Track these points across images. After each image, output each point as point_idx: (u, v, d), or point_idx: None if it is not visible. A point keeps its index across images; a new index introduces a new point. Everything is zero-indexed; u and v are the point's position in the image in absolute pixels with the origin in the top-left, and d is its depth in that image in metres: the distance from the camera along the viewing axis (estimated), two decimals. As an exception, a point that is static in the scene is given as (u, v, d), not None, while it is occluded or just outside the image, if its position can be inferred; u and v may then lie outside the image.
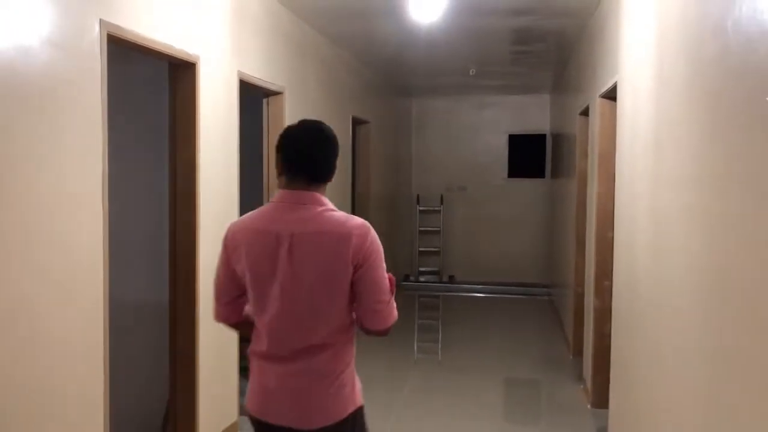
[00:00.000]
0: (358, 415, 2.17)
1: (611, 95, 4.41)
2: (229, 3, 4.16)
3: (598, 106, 4.76)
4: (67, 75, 2.64)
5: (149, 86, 4.13)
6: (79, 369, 2.75)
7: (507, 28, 5.95)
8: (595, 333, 4.87)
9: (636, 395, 3.32)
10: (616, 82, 4.03)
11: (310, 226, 2.07)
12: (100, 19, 2.84)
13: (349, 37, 6.38)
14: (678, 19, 2.62)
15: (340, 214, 2.13)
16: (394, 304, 2.15)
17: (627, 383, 3.60)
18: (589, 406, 4.93)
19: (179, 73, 3.71)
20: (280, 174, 2.17)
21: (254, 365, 2.19)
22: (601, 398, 4.70)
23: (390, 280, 2.13)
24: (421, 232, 10.45)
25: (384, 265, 2.13)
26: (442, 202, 10.44)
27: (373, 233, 2.10)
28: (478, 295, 9.70)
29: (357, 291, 2.07)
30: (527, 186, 10.29)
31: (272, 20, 4.91)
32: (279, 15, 5.06)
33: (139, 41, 3.14)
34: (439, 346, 7.06)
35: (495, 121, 10.45)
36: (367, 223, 2.12)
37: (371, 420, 2.27)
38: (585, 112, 5.68)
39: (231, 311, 2.25)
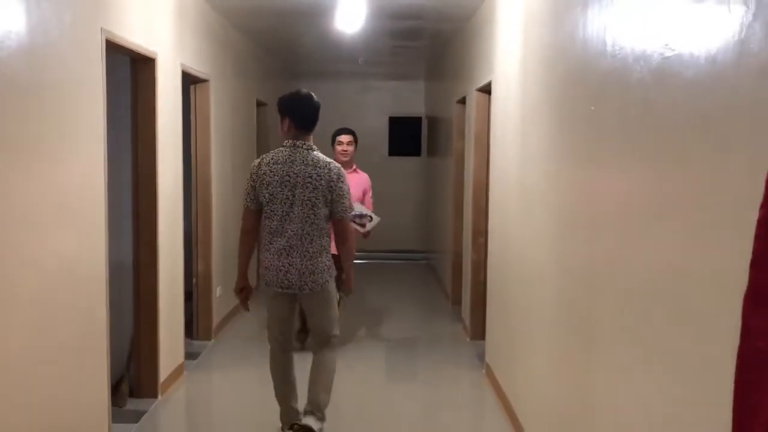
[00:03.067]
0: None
1: (486, 89, 5.54)
2: (173, 6, 4.90)
3: (474, 97, 5.89)
4: (74, 74, 3.36)
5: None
6: (96, 308, 3.53)
7: (394, 27, 6.98)
8: (472, 281, 6.04)
9: (509, 323, 4.47)
10: (491, 81, 5.15)
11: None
12: (101, 27, 3.57)
13: (261, 31, 7.21)
14: (537, 42, 3.74)
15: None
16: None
17: (500, 316, 4.75)
18: (468, 339, 6.11)
19: (141, 67, 4.43)
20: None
21: None
22: (477, 332, 5.89)
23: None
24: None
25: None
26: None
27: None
28: (363, 261, 10.76)
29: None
30: (405, 163, 11.46)
31: (202, 19, 5.67)
32: (207, 14, 5.82)
33: (123, 43, 3.87)
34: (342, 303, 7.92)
35: (377, 104, 11.51)
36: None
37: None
38: (462, 101, 6.82)
39: None
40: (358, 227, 5.40)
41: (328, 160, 3.87)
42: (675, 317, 1.99)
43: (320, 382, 3.89)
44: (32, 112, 2.88)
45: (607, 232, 2.57)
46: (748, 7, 1.60)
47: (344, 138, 5.68)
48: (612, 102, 2.55)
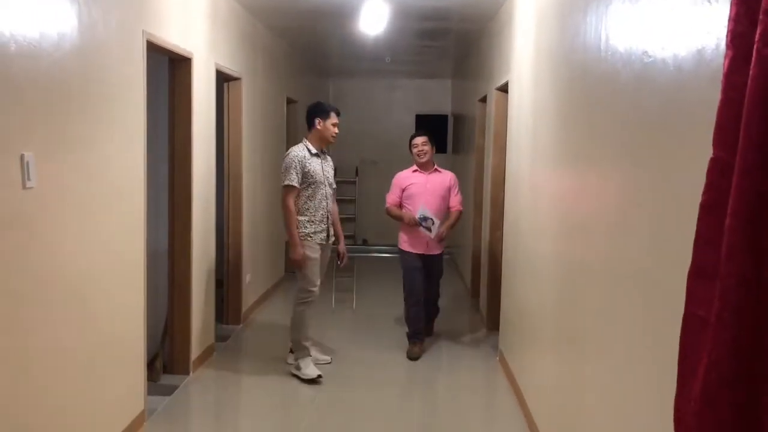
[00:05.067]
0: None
1: (504, 89, 5.77)
2: (206, 7, 5.21)
3: (494, 96, 6.12)
4: (119, 74, 3.68)
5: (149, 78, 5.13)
6: (134, 286, 3.85)
7: (419, 28, 7.23)
8: (489, 273, 6.27)
9: (519, 315, 4.70)
10: (507, 80, 5.38)
11: None
12: (143, 30, 3.89)
13: (290, 31, 7.52)
14: (545, 46, 3.97)
15: None
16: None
17: (512, 308, 4.98)
18: (485, 330, 6.35)
19: (178, 67, 4.75)
20: None
21: None
22: (493, 323, 6.12)
23: None
24: (338, 200, 11.66)
25: None
26: (357, 174, 11.72)
27: None
28: (388, 255, 11.03)
29: None
30: (431, 160, 11.69)
31: (234, 19, 5.98)
32: (239, 15, 6.13)
33: (162, 44, 4.19)
34: (354, 297, 7.94)
35: (404, 102, 11.79)
36: None
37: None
38: (483, 100, 7.05)
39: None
40: (426, 231, 5.56)
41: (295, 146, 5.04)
42: (656, 298, 2.22)
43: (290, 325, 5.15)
44: (82, 109, 3.20)
45: (595, 227, 2.80)
46: (707, 17, 1.83)
47: (418, 140, 5.80)
48: (605, 104, 2.78)
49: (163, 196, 4.85)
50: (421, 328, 5.71)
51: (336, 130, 5.10)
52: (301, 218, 4.92)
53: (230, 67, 5.82)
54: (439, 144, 12.29)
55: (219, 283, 5.89)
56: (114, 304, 3.64)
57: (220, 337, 5.76)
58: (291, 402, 4.69)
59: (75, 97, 3.12)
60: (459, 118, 10.26)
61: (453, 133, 11.14)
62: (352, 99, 11.87)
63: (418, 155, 5.74)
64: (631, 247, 2.39)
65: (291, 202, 4.88)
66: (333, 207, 5.20)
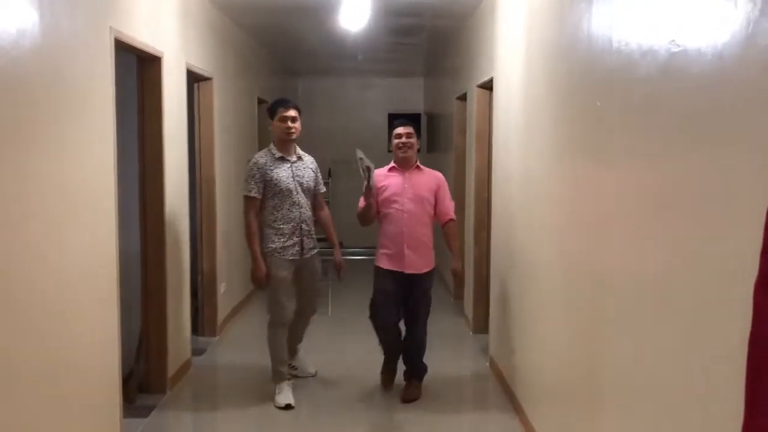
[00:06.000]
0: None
1: (487, 86, 5.59)
2: (177, 4, 4.93)
3: (475, 94, 5.94)
4: (86, 73, 3.40)
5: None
6: (103, 297, 3.57)
7: (393, 24, 7.02)
8: (474, 275, 6.09)
9: (512, 317, 4.52)
10: (492, 77, 5.20)
11: None
12: (110, 26, 3.61)
13: (262, 29, 7.26)
14: (539, 43, 3.79)
15: None
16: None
17: (503, 310, 4.80)
18: (471, 333, 6.17)
19: (147, 66, 4.47)
20: None
21: None
22: (480, 326, 5.95)
23: None
24: (313, 203, 11.41)
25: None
26: (330, 175, 11.46)
27: None
28: (364, 258, 10.80)
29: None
30: (404, 159, 11.50)
31: (206, 17, 5.71)
32: (210, 12, 5.87)
33: (130, 42, 3.91)
34: (329, 302, 7.32)
35: (376, 101, 11.57)
36: None
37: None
38: (462, 98, 6.87)
39: None
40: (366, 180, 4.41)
41: None
42: (685, 312, 2.04)
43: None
44: (45, 110, 2.92)
45: (612, 228, 2.62)
46: (755, 3, 1.65)
47: (401, 130, 4.59)
48: (617, 97, 2.60)
49: (134, 201, 4.56)
50: (395, 355, 4.73)
51: (289, 124, 4.45)
52: (267, 231, 4.44)
53: (201, 67, 5.55)
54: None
55: (193, 293, 5.61)
56: (84, 318, 3.36)
57: (197, 351, 5.48)
58: (273, 420, 4.44)
59: (37, 98, 2.84)
60: (434, 117, 10.08)
61: (427, 132, 10.96)
62: (322, 99, 11.62)
63: (399, 149, 4.52)
64: (661, 249, 2.20)
65: (251, 214, 4.42)
66: (321, 213, 4.79)
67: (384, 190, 4.52)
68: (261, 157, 4.49)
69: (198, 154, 5.95)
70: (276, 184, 4.41)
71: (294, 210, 4.47)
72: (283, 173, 4.45)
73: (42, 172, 2.88)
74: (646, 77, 2.32)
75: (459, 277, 4.78)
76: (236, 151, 6.87)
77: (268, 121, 4.62)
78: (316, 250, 4.67)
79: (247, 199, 4.42)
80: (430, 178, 4.61)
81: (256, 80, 8.08)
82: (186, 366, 5.09)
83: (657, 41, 2.22)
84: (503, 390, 4.68)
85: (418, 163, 4.63)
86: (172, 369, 4.73)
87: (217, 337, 6.02)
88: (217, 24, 6.12)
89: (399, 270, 4.48)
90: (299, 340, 4.98)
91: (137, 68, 4.48)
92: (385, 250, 4.54)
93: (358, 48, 8.57)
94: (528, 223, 4.04)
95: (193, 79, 5.74)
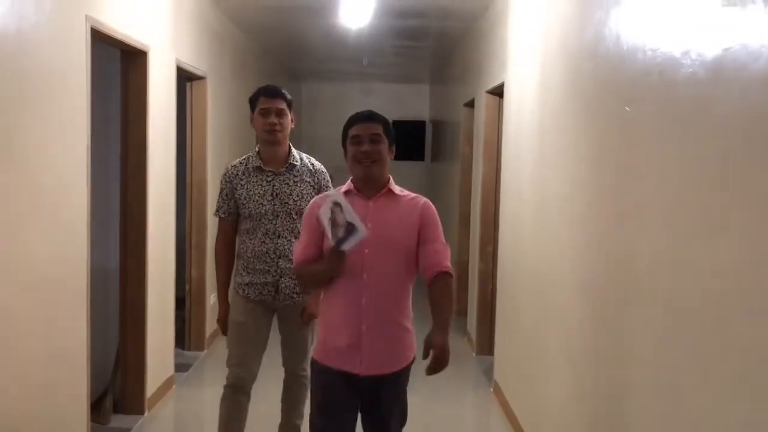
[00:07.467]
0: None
1: (497, 92, 5.26)
2: (169, -2, 4.62)
3: (484, 100, 5.60)
4: (55, 64, 3.08)
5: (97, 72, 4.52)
6: (74, 312, 3.24)
7: (399, 26, 6.70)
8: (479, 292, 5.74)
9: (521, 339, 4.17)
10: (503, 82, 4.86)
11: None
12: (86, 15, 3.29)
13: (262, 29, 6.94)
14: (558, 43, 3.45)
15: None
16: None
17: (512, 330, 4.45)
18: (474, 354, 5.81)
19: (132, 61, 4.15)
20: None
21: None
22: (484, 346, 5.59)
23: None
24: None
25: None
26: (331, 180, 11.13)
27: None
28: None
29: None
30: (408, 168, 11.17)
31: (200, 14, 5.40)
32: (205, 9, 5.55)
33: (111, 33, 3.59)
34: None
35: (379, 107, 10.84)
36: None
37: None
38: (469, 104, 6.54)
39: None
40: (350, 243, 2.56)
41: None
42: (731, 347, 1.70)
43: None
44: (3, 101, 2.60)
45: (642, 250, 2.28)
46: None
47: (360, 129, 2.65)
48: (651, 102, 2.26)
49: (115, 206, 4.24)
50: None
51: (272, 119, 3.25)
52: (238, 262, 3.36)
53: (194, 65, 5.22)
54: (416, 151, 11.94)
55: (180, 303, 5.27)
56: (46, 333, 3.02)
57: (181, 366, 5.13)
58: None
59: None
60: (439, 125, 9.75)
61: (432, 141, 10.64)
62: (325, 104, 11.32)
63: (358, 161, 2.60)
64: (706, 270, 1.86)
65: (219, 239, 3.41)
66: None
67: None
68: (234, 166, 3.36)
69: (189, 156, 5.63)
70: (244, 204, 3.25)
71: (268, 241, 3.23)
72: (255, 189, 3.25)
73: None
74: (690, 79, 1.98)
75: (440, 357, 2.41)
76: (231, 155, 6.51)
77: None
78: (301, 297, 3.29)
79: (219, 219, 3.42)
80: (409, 208, 2.65)
81: (257, 83, 7.74)
82: (168, 384, 4.73)
83: (699, 41, 1.89)
84: (509, 420, 4.31)
85: (391, 183, 2.67)
86: (151, 387, 4.38)
87: (205, 352, 5.67)
88: (212, 21, 5.80)
89: (353, 372, 2.57)
90: (297, 414, 3.51)
91: (121, 63, 4.16)
92: (330, 335, 2.63)
93: (363, 51, 8.26)
94: (541, 240, 3.70)
95: (185, 77, 5.42)
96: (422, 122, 11.16)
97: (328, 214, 2.46)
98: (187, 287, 5.64)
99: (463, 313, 6.71)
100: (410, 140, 11.25)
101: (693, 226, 1.94)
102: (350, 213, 2.43)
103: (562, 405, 3.20)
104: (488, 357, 5.31)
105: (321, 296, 2.72)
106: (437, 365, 2.42)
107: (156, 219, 4.38)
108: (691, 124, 1.97)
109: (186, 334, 5.64)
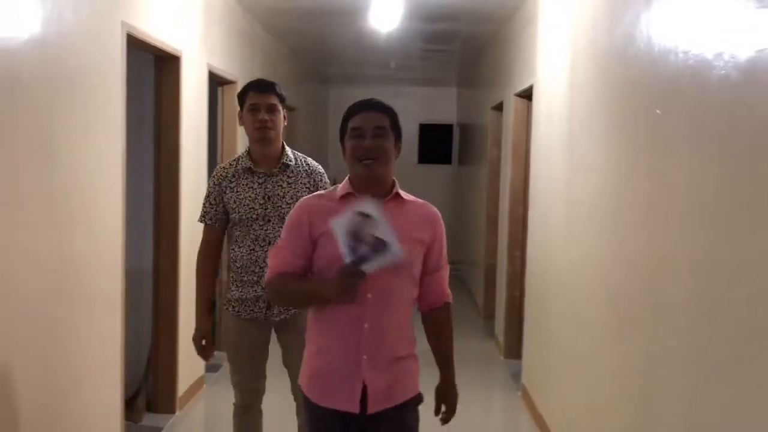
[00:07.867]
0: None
1: (525, 95, 5.25)
2: (202, 4, 4.69)
3: (513, 103, 5.60)
4: (91, 69, 3.15)
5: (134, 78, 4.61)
6: (107, 316, 3.30)
7: (428, 30, 6.72)
8: (507, 295, 5.73)
9: (550, 343, 4.16)
10: (532, 85, 4.86)
11: None
12: (122, 21, 3.36)
13: (291, 33, 7.01)
14: (588, 46, 3.45)
15: None
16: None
17: (540, 334, 4.44)
18: (501, 357, 5.80)
19: (165, 66, 4.22)
20: None
21: None
22: (512, 350, 5.58)
23: None
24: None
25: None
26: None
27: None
28: (391, 271, 10.49)
29: None
30: (435, 171, 11.19)
31: (231, 19, 5.47)
32: (236, 14, 5.62)
33: (145, 39, 3.66)
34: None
35: (407, 111, 11.21)
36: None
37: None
38: (497, 108, 6.53)
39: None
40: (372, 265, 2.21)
41: None
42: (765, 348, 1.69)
43: None
44: (43, 106, 2.67)
45: (676, 257, 2.27)
46: None
47: (363, 120, 2.30)
48: (683, 104, 2.26)
49: (148, 209, 4.31)
50: None
51: (262, 116, 2.94)
52: (229, 275, 3.11)
53: (225, 69, 5.29)
54: (443, 155, 11.94)
55: (212, 304, 5.32)
56: (82, 331, 3.09)
57: (211, 367, 5.18)
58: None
59: (33, 98, 2.59)
60: (466, 128, 9.75)
61: (459, 144, 10.63)
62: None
63: (359, 159, 2.21)
64: (743, 281, 1.85)
65: (201, 248, 3.09)
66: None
67: (326, 243, 2.16)
68: (224, 168, 3.04)
69: (221, 159, 5.69)
70: (234, 209, 2.95)
71: (258, 249, 2.93)
72: (246, 193, 2.95)
73: (36, 179, 2.62)
74: (723, 81, 1.97)
75: (450, 406, 2.46)
76: (260, 159, 6.61)
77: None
78: (297, 312, 2.97)
79: (204, 226, 3.09)
80: (418, 219, 2.30)
81: (286, 87, 7.80)
82: (199, 383, 4.80)
83: (736, 39, 1.88)
84: (537, 426, 4.30)
85: (397, 187, 2.29)
86: (183, 386, 4.44)
87: (234, 353, 5.72)
88: (243, 26, 5.88)
89: (351, 411, 2.19)
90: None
91: (154, 68, 4.24)
92: (320, 364, 2.25)
93: (391, 55, 8.30)
94: (570, 246, 3.69)
95: (217, 82, 5.49)
96: (449, 125, 11.17)
97: (349, 226, 2.02)
98: (217, 289, 5.69)
99: (490, 316, 6.70)
100: (437, 144, 11.28)
101: (728, 231, 1.93)
102: (385, 228, 2.01)
103: (593, 411, 3.19)
104: (516, 361, 5.30)
105: (309, 313, 2.29)
106: (449, 409, 2.42)
107: (188, 221, 4.44)
108: (725, 126, 1.96)
109: (217, 336, 5.69)
